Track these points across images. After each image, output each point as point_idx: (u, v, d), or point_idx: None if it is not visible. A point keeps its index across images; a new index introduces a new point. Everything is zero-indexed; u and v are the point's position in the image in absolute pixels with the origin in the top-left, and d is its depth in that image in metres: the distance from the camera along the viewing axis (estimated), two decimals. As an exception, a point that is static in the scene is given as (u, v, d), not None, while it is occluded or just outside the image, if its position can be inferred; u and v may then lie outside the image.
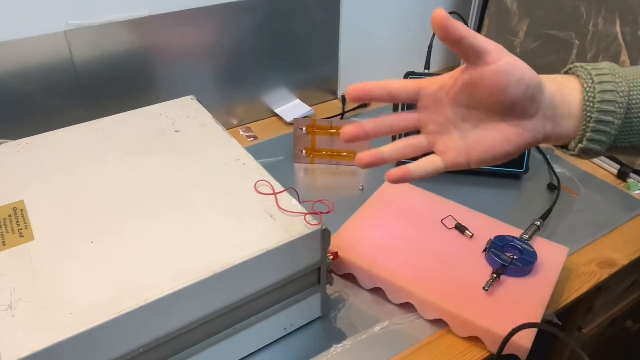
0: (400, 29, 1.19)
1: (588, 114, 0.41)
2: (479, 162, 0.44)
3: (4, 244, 0.53)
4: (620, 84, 0.41)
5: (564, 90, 0.42)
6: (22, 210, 0.57)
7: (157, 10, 0.86)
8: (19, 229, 0.55)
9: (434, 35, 0.91)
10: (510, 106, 0.41)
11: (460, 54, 0.40)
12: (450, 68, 1.32)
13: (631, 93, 0.41)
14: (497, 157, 0.43)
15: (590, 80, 0.42)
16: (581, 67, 0.43)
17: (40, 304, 0.46)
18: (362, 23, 1.13)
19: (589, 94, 0.41)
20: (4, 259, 0.51)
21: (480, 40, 0.39)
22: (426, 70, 0.98)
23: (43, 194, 0.60)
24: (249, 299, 0.55)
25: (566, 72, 0.45)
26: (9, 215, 0.56)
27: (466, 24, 1.08)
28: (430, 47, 0.94)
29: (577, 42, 0.94)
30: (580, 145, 0.43)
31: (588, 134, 0.42)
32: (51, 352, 0.43)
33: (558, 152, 1.00)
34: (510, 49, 1.07)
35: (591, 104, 0.41)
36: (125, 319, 0.46)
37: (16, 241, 0.53)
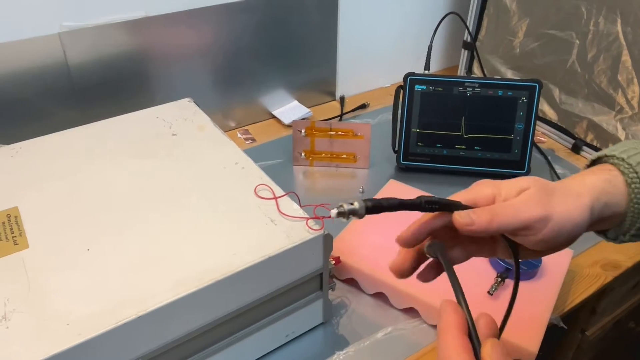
0: (399, 30, 1.18)
1: (636, 217, 0.41)
2: None
3: (-3, 253, 0.51)
4: None
5: (614, 200, 0.41)
6: (16, 217, 0.56)
7: (153, 11, 0.85)
8: (13, 237, 0.53)
9: (433, 35, 0.90)
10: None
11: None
12: (450, 69, 1.31)
13: None
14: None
15: (635, 175, 0.40)
16: (615, 157, 0.42)
17: (36, 314, 0.45)
18: (360, 24, 1.12)
19: (636, 191, 0.40)
20: (-3, 268, 0.49)
21: (508, 221, 0.38)
22: (426, 72, 0.97)
23: (38, 200, 0.58)
24: (250, 306, 0.54)
25: (595, 161, 0.44)
26: (3, 223, 0.55)
27: (465, 24, 1.08)
28: (430, 47, 0.93)
29: (577, 42, 0.94)
30: (625, 239, 0.42)
31: (633, 232, 0.41)
32: (47, 365, 0.42)
33: (559, 153, 0.99)
34: (510, 49, 1.06)
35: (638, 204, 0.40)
36: (124, 330, 0.45)
37: (10, 249, 0.52)
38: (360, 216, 0.38)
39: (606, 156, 0.43)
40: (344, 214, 0.38)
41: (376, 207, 0.39)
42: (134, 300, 0.46)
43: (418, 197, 0.40)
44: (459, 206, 0.40)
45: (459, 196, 0.42)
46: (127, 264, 0.50)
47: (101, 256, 0.51)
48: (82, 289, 0.47)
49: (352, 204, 0.38)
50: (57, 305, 0.46)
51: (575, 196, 0.39)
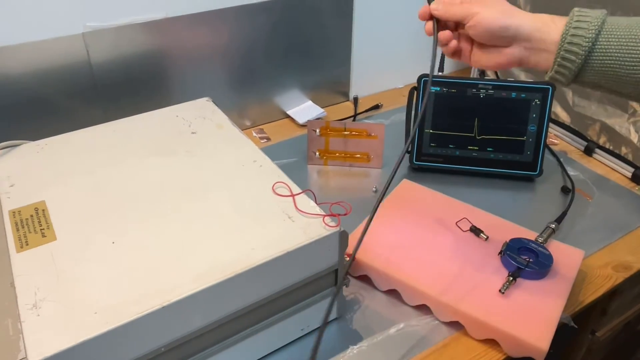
0: (413, 32, 1.19)
1: (558, 50, 0.53)
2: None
3: (27, 244, 0.53)
4: (591, 30, 0.51)
5: (545, 29, 0.54)
6: (43, 210, 0.58)
7: (173, 12, 0.87)
8: (41, 230, 0.55)
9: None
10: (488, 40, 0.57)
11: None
12: (463, 71, 1.32)
13: (599, 39, 0.51)
14: (492, 68, 0.60)
15: (570, 24, 0.52)
16: (573, 11, 0.53)
17: (65, 303, 0.47)
18: (374, 26, 1.13)
19: (564, 34, 0.52)
20: (27, 258, 0.52)
21: (453, 12, 0.57)
22: (440, 73, 0.98)
23: (63, 194, 0.60)
24: (268, 299, 0.56)
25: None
26: (31, 216, 0.57)
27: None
28: (443, 49, 0.94)
29: (591, 44, 0.94)
30: (549, 73, 0.55)
31: (555, 67, 0.54)
32: (76, 351, 0.44)
33: (572, 155, 1.00)
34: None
35: (562, 43, 0.52)
36: (148, 319, 0.46)
37: (39, 241, 0.54)
38: None
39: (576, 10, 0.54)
40: None
41: None
42: (158, 291, 0.48)
43: None
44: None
45: None
46: (151, 257, 0.52)
47: (126, 249, 0.53)
48: (108, 280, 0.49)
49: None
50: (85, 294, 0.48)
51: (507, 9, 0.55)
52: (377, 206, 0.56)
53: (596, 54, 0.51)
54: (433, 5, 0.59)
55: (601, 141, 0.97)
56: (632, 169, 0.92)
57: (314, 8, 1.01)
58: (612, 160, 0.95)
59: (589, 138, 0.99)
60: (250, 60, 1.00)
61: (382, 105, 1.15)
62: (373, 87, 1.20)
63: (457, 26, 0.60)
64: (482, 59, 0.59)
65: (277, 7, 0.97)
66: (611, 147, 0.96)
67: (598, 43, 0.51)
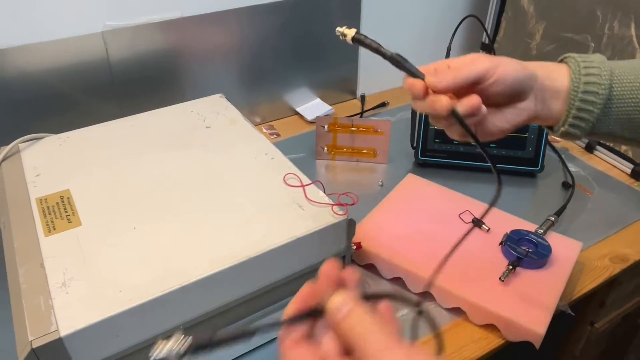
0: (419, 32, 1.22)
1: (572, 101, 0.48)
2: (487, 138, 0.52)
3: (54, 229, 0.57)
4: (604, 76, 0.47)
5: (553, 76, 0.49)
6: (68, 198, 0.62)
7: (189, 12, 0.91)
8: (67, 216, 0.59)
9: (452, 37, 0.95)
10: (510, 96, 0.49)
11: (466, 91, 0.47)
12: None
13: (613, 86, 0.47)
14: (500, 135, 0.52)
15: (579, 72, 0.48)
16: (573, 57, 0.50)
17: (92, 283, 0.50)
18: (381, 26, 1.16)
19: (575, 83, 0.47)
20: (55, 242, 0.55)
21: (468, 72, 0.46)
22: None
23: (86, 183, 0.64)
24: (279, 283, 0.59)
25: (561, 61, 0.51)
26: (57, 203, 0.61)
27: (484, 27, 1.11)
28: (448, 49, 0.97)
29: (592, 44, 0.97)
30: (562, 129, 0.50)
31: (570, 120, 0.48)
32: (102, 326, 0.47)
33: (573, 152, 1.02)
34: (527, 51, 1.09)
35: (575, 93, 0.47)
36: (169, 297, 0.50)
37: (65, 226, 0.57)
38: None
39: (568, 56, 0.51)
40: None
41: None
42: (177, 272, 0.51)
43: (396, 54, 0.47)
44: (420, 75, 0.47)
45: (432, 65, 0.49)
46: (170, 242, 0.56)
47: (147, 234, 0.56)
48: (130, 262, 0.53)
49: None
50: (110, 275, 0.51)
51: (517, 61, 0.48)
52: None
53: (613, 102, 0.47)
54: (432, 80, 0.46)
55: (602, 138, 1.00)
56: (632, 166, 0.94)
57: (323, 8, 1.04)
58: (612, 157, 0.98)
59: (590, 135, 1.02)
60: (261, 59, 1.03)
61: (388, 103, 1.18)
62: (380, 85, 1.23)
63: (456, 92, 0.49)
64: (499, 122, 0.50)
65: (287, 8, 1.00)
66: (611, 144, 0.98)
67: (613, 90, 0.47)
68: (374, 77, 1.21)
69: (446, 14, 1.23)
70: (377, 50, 0.48)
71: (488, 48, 1.19)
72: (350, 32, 0.49)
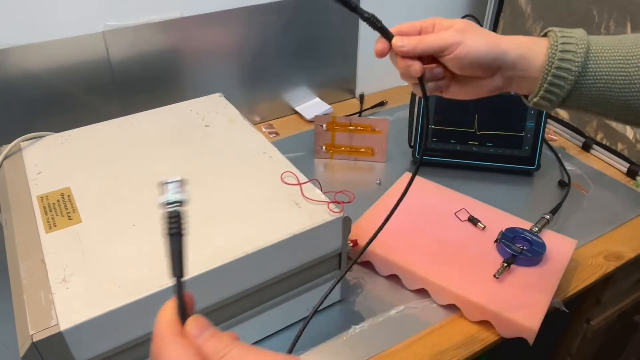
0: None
1: (545, 74, 0.49)
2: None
3: (55, 226, 0.58)
4: (579, 53, 0.48)
5: (529, 54, 0.50)
6: (69, 196, 0.63)
7: (189, 12, 0.92)
8: (67, 213, 0.60)
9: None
10: (471, 72, 0.51)
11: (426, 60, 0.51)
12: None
13: (588, 63, 0.48)
14: (467, 99, 0.56)
15: (556, 47, 0.49)
16: (554, 32, 0.50)
17: (92, 278, 0.51)
18: (380, 25, 1.17)
19: (551, 58, 0.49)
20: (56, 238, 0.56)
21: (429, 44, 0.50)
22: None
23: (86, 181, 0.65)
24: (276, 280, 0.60)
25: (545, 35, 0.52)
26: (58, 200, 0.62)
27: (481, 26, 1.12)
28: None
29: (589, 44, 0.97)
30: (534, 99, 0.51)
31: (541, 92, 0.50)
32: (102, 320, 0.48)
33: (570, 151, 1.03)
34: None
35: (549, 67, 0.49)
36: (167, 294, 0.51)
37: (66, 223, 0.58)
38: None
39: (550, 31, 0.51)
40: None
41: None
42: (175, 268, 0.52)
43: (372, 14, 0.52)
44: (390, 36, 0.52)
45: (408, 25, 0.53)
46: (168, 238, 0.56)
47: (146, 231, 0.57)
48: (130, 258, 0.54)
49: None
50: (109, 271, 0.52)
51: (491, 37, 0.50)
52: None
53: (586, 78, 0.48)
54: (397, 42, 0.51)
55: (598, 137, 1.01)
56: (628, 164, 0.95)
57: (322, 9, 1.05)
58: (608, 155, 0.99)
59: (586, 134, 1.03)
60: (260, 59, 1.04)
61: (387, 102, 1.19)
62: (378, 84, 1.24)
63: (421, 58, 0.52)
64: (459, 93, 0.55)
65: (287, 8, 1.01)
66: (608, 143, 0.99)
67: (588, 67, 0.48)
68: (373, 76, 1.22)
69: (444, 14, 1.24)
70: (355, 9, 0.52)
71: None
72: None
